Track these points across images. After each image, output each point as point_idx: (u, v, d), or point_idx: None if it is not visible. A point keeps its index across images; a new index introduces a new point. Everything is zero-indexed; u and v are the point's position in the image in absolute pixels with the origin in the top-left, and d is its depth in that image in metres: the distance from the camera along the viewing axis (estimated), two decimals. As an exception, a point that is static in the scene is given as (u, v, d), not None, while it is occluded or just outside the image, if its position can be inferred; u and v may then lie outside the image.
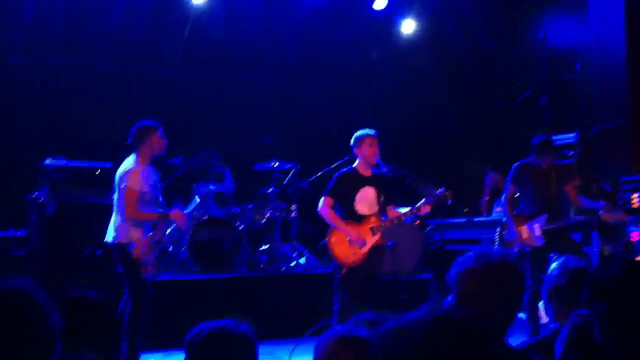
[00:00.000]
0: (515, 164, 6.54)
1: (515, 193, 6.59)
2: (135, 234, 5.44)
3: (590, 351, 2.33)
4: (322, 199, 5.95)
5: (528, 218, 6.42)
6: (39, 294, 1.91)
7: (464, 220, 8.70)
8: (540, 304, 5.99)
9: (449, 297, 2.40)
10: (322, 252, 8.01)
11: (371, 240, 5.86)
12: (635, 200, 7.18)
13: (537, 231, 6.30)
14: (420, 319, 1.46)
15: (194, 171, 8.82)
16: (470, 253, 2.39)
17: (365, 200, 5.93)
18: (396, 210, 6.08)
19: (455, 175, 10.36)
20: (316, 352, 2.26)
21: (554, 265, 3.16)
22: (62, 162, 7.20)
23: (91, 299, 2.41)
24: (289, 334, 6.81)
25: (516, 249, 6.39)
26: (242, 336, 2.42)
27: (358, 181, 5.95)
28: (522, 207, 6.54)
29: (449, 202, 6.11)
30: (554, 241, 6.18)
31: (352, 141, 6.04)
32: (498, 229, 6.68)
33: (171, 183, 8.19)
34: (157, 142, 5.56)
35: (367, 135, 5.95)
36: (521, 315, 6.84)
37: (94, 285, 6.12)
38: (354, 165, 6.06)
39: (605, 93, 8.44)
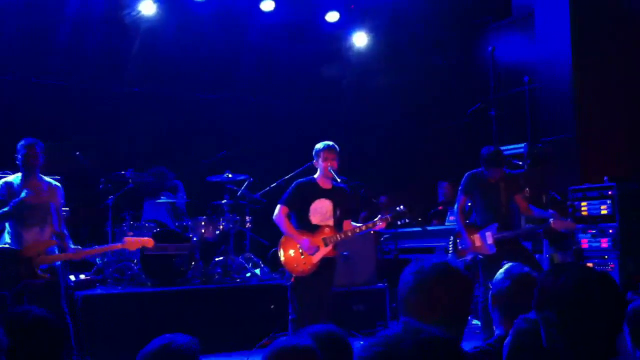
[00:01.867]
0: (465, 175, 6.65)
1: (466, 203, 6.68)
2: None
3: (535, 355, 2.36)
4: (278, 206, 5.92)
5: (480, 227, 6.51)
6: None
7: (418, 229, 8.78)
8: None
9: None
10: (273, 260, 7.98)
11: (323, 251, 5.82)
12: (584, 209, 7.36)
13: (489, 239, 6.39)
14: (406, 345, 1.45)
15: (144, 185, 8.72)
16: (407, 270, 2.33)
17: (320, 211, 5.91)
18: (352, 224, 6.07)
19: (408, 186, 10.50)
20: None
21: (499, 271, 3.20)
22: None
23: (36, 315, 2.35)
24: (245, 346, 6.76)
25: (469, 257, 6.48)
26: (187, 352, 2.51)
27: (315, 192, 5.93)
28: (474, 217, 6.64)
29: (406, 221, 6.13)
30: (506, 250, 6.27)
31: (313, 153, 6.05)
32: (451, 238, 6.76)
33: (122, 196, 8.09)
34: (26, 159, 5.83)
35: (323, 148, 5.94)
36: (475, 322, 6.93)
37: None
38: (315, 176, 6.05)
39: (552, 107, 8.66)
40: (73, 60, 9.15)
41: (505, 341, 2.54)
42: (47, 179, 5.93)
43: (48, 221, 5.78)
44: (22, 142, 5.78)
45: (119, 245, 6.14)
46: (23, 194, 5.64)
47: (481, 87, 9.88)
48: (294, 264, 5.82)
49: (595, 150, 8.23)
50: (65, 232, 5.93)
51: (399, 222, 6.15)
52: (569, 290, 2.07)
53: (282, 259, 5.86)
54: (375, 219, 6.00)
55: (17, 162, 5.80)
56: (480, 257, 6.42)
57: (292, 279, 5.81)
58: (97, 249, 6.56)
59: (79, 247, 6.14)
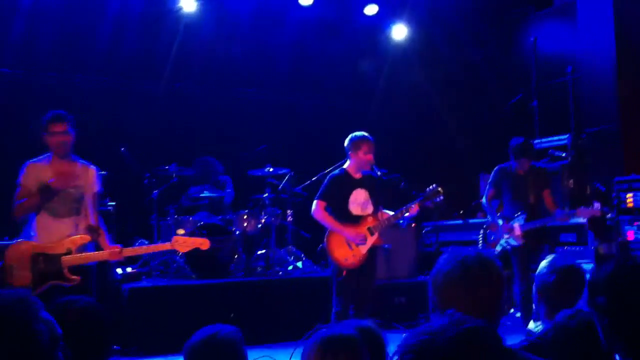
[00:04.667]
0: (495, 168, 6.70)
1: (494, 196, 6.69)
2: None
3: (578, 349, 2.36)
4: (315, 202, 5.89)
5: (508, 219, 6.54)
6: (33, 306, 1.89)
7: (460, 222, 8.74)
8: (535, 304, 6.07)
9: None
10: (319, 255, 8.03)
11: (370, 240, 5.82)
12: (629, 200, 7.25)
13: (517, 231, 6.39)
14: (450, 334, 1.48)
15: (188, 179, 8.87)
16: (446, 256, 2.36)
17: (358, 201, 5.89)
18: (387, 213, 5.99)
19: (448, 179, 10.43)
20: (303, 356, 2.28)
21: (542, 264, 3.19)
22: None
23: (83, 305, 2.38)
24: (288, 338, 6.81)
25: (498, 249, 6.48)
26: (232, 341, 2.60)
27: (350, 183, 5.90)
28: (504, 209, 6.65)
29: (441, 198, 5.93)
30: (534, 241, 6.30)
31: (347, 142, 5.93)
32: (481, 231, 6.77)
33: (166, 190, 8.23)
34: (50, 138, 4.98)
35: (365, 140, 5.85)
36: (517, 315, 6.90)
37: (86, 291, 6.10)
38: (345, 166, 6.00)
39: (595, 97, 8.53)
40: (113, 58, 9.25)
41: (549, 335, 2.54)
42: (81, 161, 5.12)
43: (81, 212, 4.97)
44: (46, 117, 4.99)
45: (167, 245, 5.32)
46: (50, 179, 4.80)
47: (521, 78, 9.77)
48: (344, 257, 5.79)
49: (640, 141, 8.09)
50: (103, 226, 5.10)
51: (436, 200, 5.93)
52: (617, 275, 2.05)
53: (332, 254, 5.82)
54: (408, 204, 5.90)
55: (44, 141, 4.96)
56: (509, 248, 6.42)
57: (344, 273, 5.76)
58: (143, 247, 5.87)
59: (120, 245, 5.13)
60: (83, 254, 4.87)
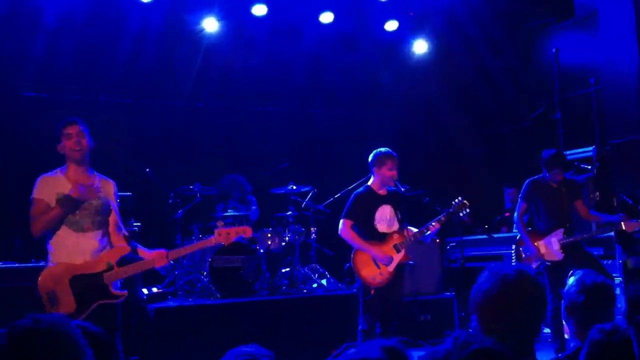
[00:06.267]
0: (527, 181, 6.56)
1: (527, 210, 6.58)
2: None
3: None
4: (342, 221, 5.88)
5: (544, 234, 6.41)
6: (74, 331, 1.89)
7: (484, 237, 8.66)
8: (565, 321, 5.97)
9: (473, 322, 2.37)
10: (343, 273, 8.00)
11: (397, 258, 5.79)
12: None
13: (556, 245, 6.29)
14: (460, 355, 1.46)
15: (213, 198, 8.90)
16: (486, 273, 2.34)
17: (384, 218, 5.88)
18: (412, 230, 5.96)
19: (471, 194, 10.36)
20: None
21: (570, 281, 3.14)
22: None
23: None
24: (314, 357, 6.79)
25: (535, 265, 6.37)
26: None
27: (375, 200, 5.90)
28: (537, 224, 6.54)
29: (468, 210, 5.92)
30: (572, 255, 6.17)
31: (371, 158, 5.95)
32: (513, 247, 6.67)
33: (190, 210, 8.27)
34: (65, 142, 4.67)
35: (389, 157, 5.86)
36: (546, 330, 6.80)
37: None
38: (369, 183, 6.00)
39: (619, 108, 8.45)
40: (135, 77, 9.33)
41: (582, 352, 2.50)
42: (99, 174, 4.81)
43: (109, 224, 4.67)
44: (61, 124, 4.71)
45: (211, 240, 4.97)
46: (71, 190, 4.45)
47: (543, 90, 9.71)
48: (371, 276, 5.76)
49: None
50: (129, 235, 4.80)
51: (461, 214, 5.95)
52: None
53: (359, 273, 5.79)
54: (436, 219, 5.87)
55: (59, 150, 4.66)
56: (545, 264, 6.31)
57: (372, 292, 5.74)
58: (188, 247, 5.49)
59: (164, 249, 4.78)
60: (127, 266, 4.56)
